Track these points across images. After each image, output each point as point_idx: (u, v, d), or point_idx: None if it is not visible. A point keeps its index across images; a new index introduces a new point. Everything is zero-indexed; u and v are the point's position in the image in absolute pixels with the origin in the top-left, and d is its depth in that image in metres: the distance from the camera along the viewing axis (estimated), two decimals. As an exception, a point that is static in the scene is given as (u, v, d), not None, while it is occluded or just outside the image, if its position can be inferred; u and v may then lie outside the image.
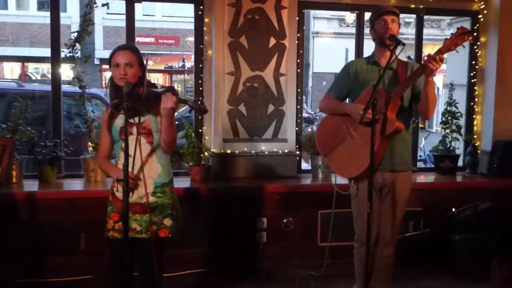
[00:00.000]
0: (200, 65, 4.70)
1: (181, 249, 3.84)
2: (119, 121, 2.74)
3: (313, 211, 4.44)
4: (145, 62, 2.79)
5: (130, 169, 2.56)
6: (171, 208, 2.81)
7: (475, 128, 5.25)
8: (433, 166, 5.39)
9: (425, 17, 5.21)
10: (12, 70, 19.88)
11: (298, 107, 4.81)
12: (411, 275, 4.21)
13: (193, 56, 4.91)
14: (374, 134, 2.93)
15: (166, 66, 19.81)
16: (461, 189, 4.80)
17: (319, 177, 4.73)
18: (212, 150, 4.62)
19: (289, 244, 4.44)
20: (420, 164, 6.90)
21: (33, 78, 18.60)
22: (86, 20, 4.43)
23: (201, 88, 4.70)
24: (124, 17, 4.63)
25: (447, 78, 5.94)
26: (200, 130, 4.73)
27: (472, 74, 5.24)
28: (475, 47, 5.16)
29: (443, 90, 14.95)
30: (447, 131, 5.09)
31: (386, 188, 3.31)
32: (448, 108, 5.10)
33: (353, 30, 5.64)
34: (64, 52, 4.41)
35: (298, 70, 4.74)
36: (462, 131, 5.16)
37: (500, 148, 4.91)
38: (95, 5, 4.43)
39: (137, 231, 2.76)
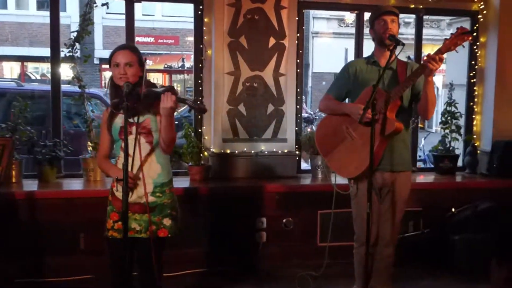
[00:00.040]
0: (200, 65, 4.70)
1: (181, 249, 3.84)
2: (119, 120, 2.74)
3: (312, 211, 4.44)
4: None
5: (129, 168, 2.56)
6: (170, 208, 2.81)
7: (474, 128, 5.26)
8: (432, 166, 5.39)
9: (425, 17, 5.20)
10: (11, 70, 19.88)
11: (298, 107, 4.81)
12: (411, 275, 4.21)
13: (192, 56, 4.91)
14: (373, 134, 2.93)
15: (166, 66, 19.80)
16: (461, 189, 4.80)
17: (319, 177, 4.73)
18: (211, 150, 4.62)
19: (288, 244, 4.44)
20: (420, 164, 6.91)
21: (33, 77, 18.59)
22: (86, 19, 4.42)
23: (200, 88, 4.70)
24: (123, 16, 4.63)
25: (447, 78, 5.94)
26: (199, 130, 4.73)
27: (471, 74, 5.24)
28: (475, 47, 5.16)
29: (442, 90, 14.96)
30: (447, 131, 5.10)
31: (386, 188, 3.31)
32: (448, 108, 5.10)
33: (352, 30, 5.65)
34: (64, 52, 4.42)
35: (298, 70, 4.74)
36: (462, 131, 5.17)
37: (499, 148, 4.91)
38: (94, 5, 4.43)
39: (136, 231, 2.76)
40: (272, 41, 4.58)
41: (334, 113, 3.37)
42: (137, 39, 6.62)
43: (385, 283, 3.41)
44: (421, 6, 4.99)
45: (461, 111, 5.15)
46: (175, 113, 2.76)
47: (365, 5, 4.85)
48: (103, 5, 4.44)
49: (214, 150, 4.59)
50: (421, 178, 4.94)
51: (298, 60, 4.73)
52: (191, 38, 5.58)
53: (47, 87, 4.93)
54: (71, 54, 4.39)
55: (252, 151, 4.60)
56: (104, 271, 2.92)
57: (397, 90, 3.11)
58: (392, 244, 3.37)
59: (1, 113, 6.24)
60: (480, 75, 5.19)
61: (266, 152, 4.63)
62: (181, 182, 4.33)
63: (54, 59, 4.47)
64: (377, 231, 3.32)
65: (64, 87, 4.64)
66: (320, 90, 18.88)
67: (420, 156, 7.44)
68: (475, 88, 5.23)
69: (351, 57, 5.16)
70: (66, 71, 4.54)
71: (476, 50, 5.18)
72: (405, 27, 15.54)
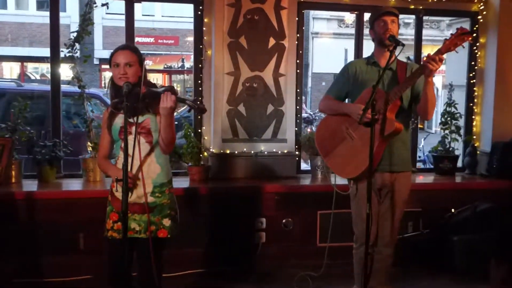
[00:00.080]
0: (200, 65, 4.70)
1: (180, 249, 3.85)
2: (119, 120, 2.74)
3: (312, 211, 4.44)
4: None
5: (129, 168, 2.56)
6: (169, 208, 2.81)
7: (474, 129, 5.26)
8: (432, 166, 5.39)
9: (425, 18, 5.21)
10: (11, 70, 19.87)
11: (298, 107, 4.81)
12: (410, 275, 4.21)
13: (192, 56, 4.91)
14: (373, 135, 2.93)
15: (166, 66, 19.79)
16: (460, 190, 4.80)
17: (319, 177, 4.73)
18: (211, 150, 4.62)
19: (288, 245, 4.44)
20: (420, 165, 6.91)
21: (32, 78, 18.58)
22: (86, 19, 4.43)
23: (200, 88, 4.70)
24: (123, 17, 4.62)
25: (447, 78, 5.95)
26: (199, 130, 4.73)
27: (471, 75, 5.24)
28: (475, 48, 5.17)
29: (442, 91, 14.99)
30: (447, 131, 5.10)
31: (386, 189, 3.31)
32: (448, 109, 5.10)
33: (352, 30, 5.65)
34: (64, 52, 4.42)
35: (298, 71, 4.74)
36: (462, 131, 5.17)
37: (499, 149, 4.91)
38: (94, 5, 4.43)
39: (136, 231, 2.75)
40: (272, 41, 4.59)
41: (334, 113, 3.37)
42: (137, 39, 6.62)
43: (384, 283, 3.41)
44: (421, 7, 5.00)
45: (461, 111, 5.15)
46: (175, 113, 2.76)
47: (365, 6, 4.85)
48: (103, 5, 4.44)
49: (213, 150, 4.59)
50: (421, 179, 4.94)
51: (298, 61, 4.73)
52: (191, 39, 5.58)
53: (47, 87, 4.92)
54: (71, 54, 4.40)
55: (252, 152, 4.60)
56: (103, 271, 2.91)
57: (397, 90, 3.11)
58: (392, 244, 3.37)
59: (0, 113, 6.23)
60: (480, 76, 5.20)
61: (265, 153, 4.63)
62: (181, 183, 4.33)
63: (54, 59, 4.47)
64: (377, 231, 3.32)
65: (64, 87, 4.64)
66: (320, 90, 18.88)
67: (419, 157, 7.45)
68: (474, 88, 5.24)
69: (351, 57, 5.16)
70: (65, 71, 4.54)
71: (476, 51, 5.18)
72: (405, 28, 15.55)
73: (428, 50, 4.36)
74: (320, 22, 20.01)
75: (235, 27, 4.53)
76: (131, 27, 4.59)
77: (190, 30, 5.11)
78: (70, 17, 15.64)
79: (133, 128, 2.67)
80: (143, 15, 17.41)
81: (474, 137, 5.22)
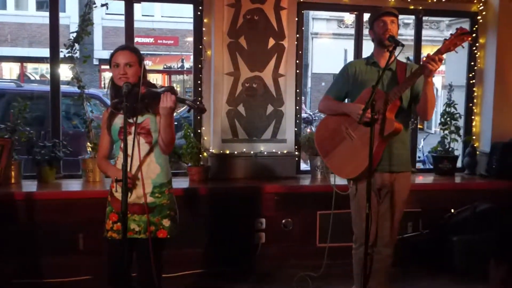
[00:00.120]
0: (199, 66, 4.70)
1: (180, 249, 3.84)
2: (119, 121, 2.74)
3: (312, 211, 4.44)
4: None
5: (128, 169, 2.56)
6: (169, 209, 2.81)
7: (473, 129, 5.26)
8: (432, 167, 5.39)
9: (424, 18, 5.21)
10: (10, 70, 19.85)
11: (297, 107, 4.81)
12: (410, 275, 4.21)
13: (192, 57, 4.91)
14: (373, 135, 2.93)
15: (165, 66, 19.80)
16: (460, 190, 4.80)
17: (318, 177, 4.73)
18: (211, 150, 4.62)
19: (287, 245, 4.44)
20: (419, 165, 6.92)
21: (32, 78, 18.58)
22: (85, 20, 4.43)
23: (200, 89, 4.71)
24: (123, 17, 4.62)
25: (446, 79, 5.96)
26: (199, 131, 4.73)
27: (471, 75, 5.25)
28: (474, 48, 5.17)
29: (442, 91, 15.00)
30: (446, 132, 5.10)
31: (385, 189, 3.31)
32: (447, 109, 5.11)
33: (352, 31, 5.65)
34: (63, 52, 4.42)
35: (297, 71, 4.74)
36: (461, 132, 5.17)
37: (498, 149, 4.91)
38: (94, 5, 4.43)
39: (135, 232, 2.75)
40: (271, 41, 4.59)
41: (334, 113, 3.37)
42: (136, 39, 6.62)
43: (384, 283, 3.41)
44: (420, 7, 5.00)
45: (460, 112, 5.16)
46: (175, 114, 2.76)
47: (365, 6, 4.85)
48: (102, 5, 4.44)
49: (213, 150, 4.59)
50: (420, 179, 4.94)
51: (297, 61, 4.73)
52: (190, 39, 5.57)
53: (46, 87, 4.92)
54: (70, 54, 4.40)
55: (252, 152, 4.60)
56: (103, 272, 2.91)
57: (397, 90, 3.11)
58: (391, 244, 3.37)
59: (0, 113, 6.24)
60: (479, 76, 5.20)
61: (265, 153, 4.63)
62: (181, 183, 4.33)
63: (54, 60, 4.47)
64: (376, 231, 3.31)
65: (64, 88, 4.64)
66: (319, 90, 18.88)
67: (419, 157, 7.46)
68: (474, 89, 5.24)
69: (350, 58, 5.15)
70: (65, 72, 4.54)
71: (475, 51, 5.18)
72: (404, 28, 15.56)
73: (427, 50, 4.35)
74: (320, 22, 20.01)
75: (235, 28, 4.53)
76: (131, 27, 4.59)
77: (189, 31, 5.11)
78: (69, 17, 15.64)
79: (133, 128, 2.67)
80: (142, 15, 17.40)
81: (474, 137, 5.23)
